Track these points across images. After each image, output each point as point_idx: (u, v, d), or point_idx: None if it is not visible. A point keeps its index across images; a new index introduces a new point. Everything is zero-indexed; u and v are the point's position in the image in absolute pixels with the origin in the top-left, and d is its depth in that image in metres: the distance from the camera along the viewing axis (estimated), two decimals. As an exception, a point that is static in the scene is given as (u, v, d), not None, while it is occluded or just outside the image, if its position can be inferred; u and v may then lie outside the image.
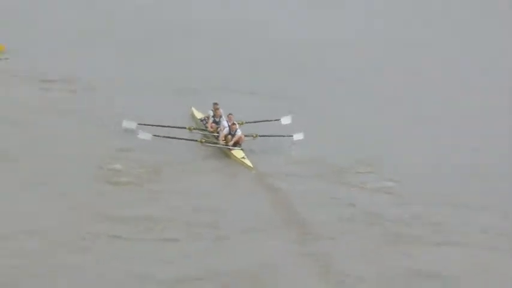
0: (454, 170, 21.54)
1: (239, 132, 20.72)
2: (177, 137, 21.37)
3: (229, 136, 20.69)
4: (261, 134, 21.76)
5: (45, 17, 42.79)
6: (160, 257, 14.57)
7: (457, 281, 14.76)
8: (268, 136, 22.03)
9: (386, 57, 39.23)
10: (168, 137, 21.10)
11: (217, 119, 22.08)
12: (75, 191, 17.76)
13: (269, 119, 23.17)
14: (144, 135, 20.83)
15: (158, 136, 21.01)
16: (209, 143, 21.42)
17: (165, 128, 21.95)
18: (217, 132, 21.55)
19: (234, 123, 21.05)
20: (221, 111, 22.24)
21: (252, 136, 21.41)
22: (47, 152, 20.42)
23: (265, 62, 34.82)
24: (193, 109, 24.51)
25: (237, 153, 20.34)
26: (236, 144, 20.58)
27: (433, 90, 32.13)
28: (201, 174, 19.97)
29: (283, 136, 22.07)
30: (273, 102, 26.92)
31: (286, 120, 23.27)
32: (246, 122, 22.67)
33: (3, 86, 27.54)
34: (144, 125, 21.81)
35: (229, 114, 21.51)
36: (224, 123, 21.48)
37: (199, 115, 23.77)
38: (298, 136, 22.03)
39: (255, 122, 22.97)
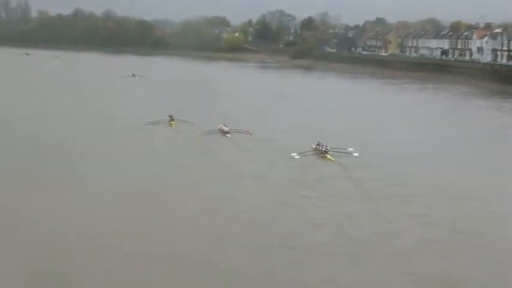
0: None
1: (328, 150, 44.39)
2: (309, 154, 44.47)
3: (324, 151, 44.24)
4: (335, 151, 44.70)
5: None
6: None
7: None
8: (340, 152, 44.43)
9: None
10: (306, 155, 43.89)
11: (319, 146, 45.25)
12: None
13: (340, 147, 45.23)
14: (297, 156, 43.50)
15: (302, 154, 43.65)
16: (319, 154, 44.54)
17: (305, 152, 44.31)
18: (319, 150, 44.86)
19: (326, 146, 44.71)
20: (320, 142, 45.78)
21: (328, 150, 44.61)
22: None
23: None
24: (312, 145, 46.40)
25: (327, 156, 43.73)
26: (327, 154, 44.07)
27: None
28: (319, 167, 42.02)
29: (347, 152, 44.61)
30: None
31: (349, 149, 45.25)
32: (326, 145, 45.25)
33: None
34: (298, 153, 43.89)
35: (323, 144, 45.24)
36: (322, 147, 44.99)
37: (313, 146, 46.21)
38: (356, 153, 44.39)
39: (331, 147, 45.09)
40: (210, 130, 53.65)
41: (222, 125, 55.12)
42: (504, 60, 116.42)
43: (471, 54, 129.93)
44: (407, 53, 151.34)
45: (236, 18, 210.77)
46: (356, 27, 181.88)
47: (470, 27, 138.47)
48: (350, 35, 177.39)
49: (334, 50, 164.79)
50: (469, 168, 41.25)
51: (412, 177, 38.08)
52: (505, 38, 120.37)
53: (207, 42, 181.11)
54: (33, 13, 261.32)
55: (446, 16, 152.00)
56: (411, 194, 35.09)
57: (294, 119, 61.41)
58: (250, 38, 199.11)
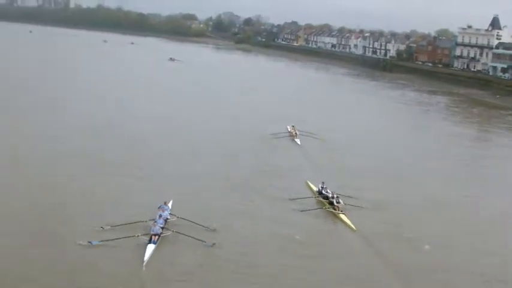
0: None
1: (340, 202, 34.44)
2: (313, 208, 34.43)
3: (335, 202, 34.34)
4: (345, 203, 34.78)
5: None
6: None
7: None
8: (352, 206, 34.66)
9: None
10: (310, 210, 34.24)
11: (325, 191, 35.96)
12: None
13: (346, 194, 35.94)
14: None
15: (304, 211, 34.00)
16: (327, 209, 34.36)
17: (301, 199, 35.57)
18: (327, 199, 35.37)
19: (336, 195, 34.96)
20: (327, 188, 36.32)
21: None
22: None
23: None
24: (309, 182, 39.00)
25: (337, 209, 33.86)
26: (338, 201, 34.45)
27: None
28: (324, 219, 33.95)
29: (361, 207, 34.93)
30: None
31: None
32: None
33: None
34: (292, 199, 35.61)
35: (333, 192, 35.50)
36: (329, 195, 35.37)
37: (313, 187, 37.73)
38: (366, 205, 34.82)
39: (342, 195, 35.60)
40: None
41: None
42: (370, 54, 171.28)
43: (350, 48, 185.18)
44: (310, 45, 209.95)
45: (201, 15, 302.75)
46: (278, 25, 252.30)
47: (350, 31, 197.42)
48: (274, 30, 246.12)
49: (264, 40, 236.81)
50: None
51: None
52: (371, 40, 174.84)
53: (182, 29, 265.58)
54: (71, 5, 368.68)
55: (335, 23, 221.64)
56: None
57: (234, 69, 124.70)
58: (210, 29, 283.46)
